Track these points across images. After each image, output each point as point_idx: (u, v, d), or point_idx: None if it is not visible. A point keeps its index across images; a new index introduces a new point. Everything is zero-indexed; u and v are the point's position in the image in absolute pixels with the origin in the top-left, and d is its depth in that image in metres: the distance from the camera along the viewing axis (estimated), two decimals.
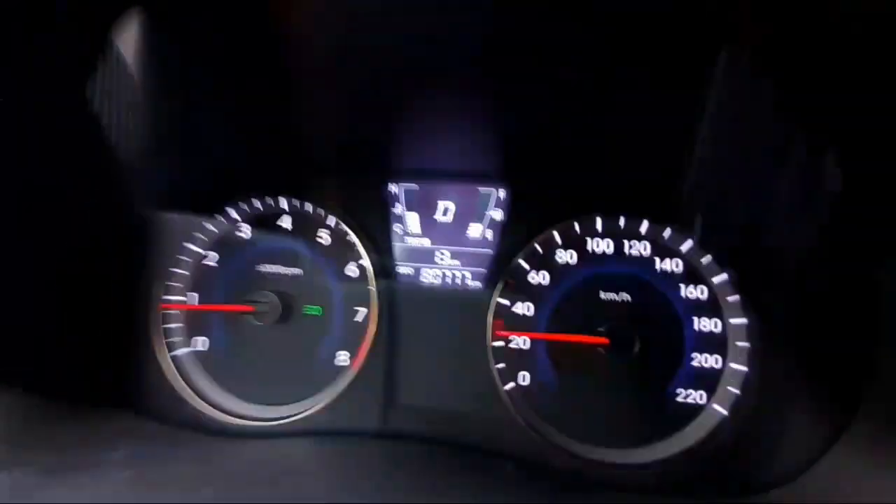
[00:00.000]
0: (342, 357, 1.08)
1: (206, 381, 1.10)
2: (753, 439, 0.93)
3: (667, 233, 1.03)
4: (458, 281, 1.09)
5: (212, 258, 1.15)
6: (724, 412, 0.95)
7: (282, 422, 1.04)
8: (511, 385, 1.02)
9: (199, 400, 1.07)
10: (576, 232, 1.06)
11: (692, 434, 0.96)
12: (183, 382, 1.08)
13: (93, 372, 1.05)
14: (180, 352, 1.11)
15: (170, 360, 1.09)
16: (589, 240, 1.05)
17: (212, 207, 1.14)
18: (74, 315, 1.04)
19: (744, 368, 0.96)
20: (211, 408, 1.06)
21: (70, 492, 0.75)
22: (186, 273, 1.14)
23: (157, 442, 0.96)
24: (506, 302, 1.05)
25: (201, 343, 1.12)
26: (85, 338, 1.06)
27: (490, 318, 1.03)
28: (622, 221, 1.04)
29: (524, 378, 1.03)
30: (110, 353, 1.07)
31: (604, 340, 0.97)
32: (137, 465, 0.85)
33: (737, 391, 0.95)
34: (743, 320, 0.98)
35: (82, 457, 0.86)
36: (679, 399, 0.98)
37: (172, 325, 1.12)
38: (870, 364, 0.85)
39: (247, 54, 0.90)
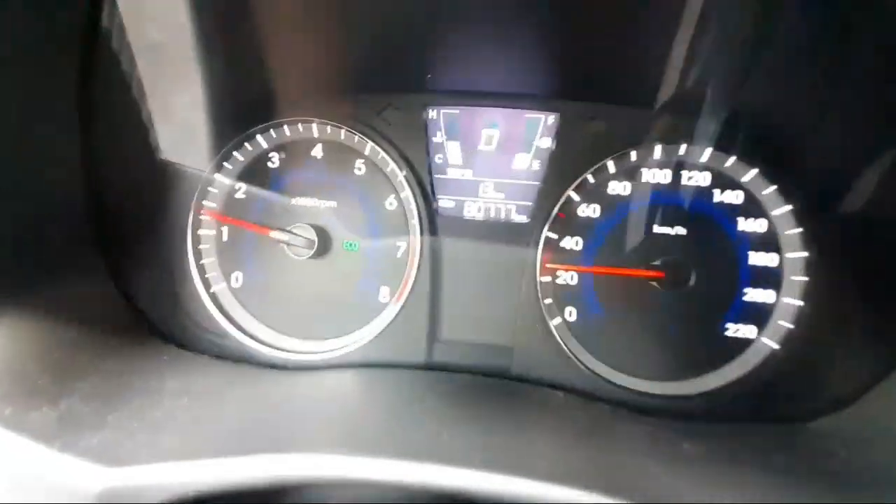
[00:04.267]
0: (384, 293, 1.05)
1: (245, 316, 1.08)
2: (802, 371, 0.93)
3: (730, 162, 0.97)
4: (503, 214, 1.04)
5: (241, 190, 1.09)
6: (775, 346, 0.94)
7: (327, 355, 1.04)
8: (558, 320, 1.01)
9: (241, 334, 1.06)
10: (632, 162, 0.99)
11: (740, 367, 0.96)
12: (223, 317, 1.07)
13: (134, 305, 1.03)
14: (217, 287, 1.09)
15: (208, 295, 1.07)
16: (645, 170, 0.99)
17: (239, 134, 1.06)
18: (110, 248, 1.01)
19: (798, 302, 0.94)
20: (253, 342, 1.06)
21: (124, 419, 0.73)
22: (214, 205, 1.09)
23: (207, 373, 0.96)
24: (553, 236, 1.01)
25: (236, 279, 1.09)
26: (121, 270, 1.04)
27: (539, 253, 0.99)
28: (683, 149, 0.97)
29: (571, 313, 1.01)
30: (149, 286, 1.05)
31: (658, 274, 0.94)
32: (192, 394, 0.85)
33: (789, 325, 0.94)
34: (802, 254, 0.94)
35: (133, 384, 0.84)
36: (729, 333, 0.97)
37: (206, 261, 1.09)
38: None
39: None
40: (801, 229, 0.94)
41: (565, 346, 0.99)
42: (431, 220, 1.03)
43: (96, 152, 0.93)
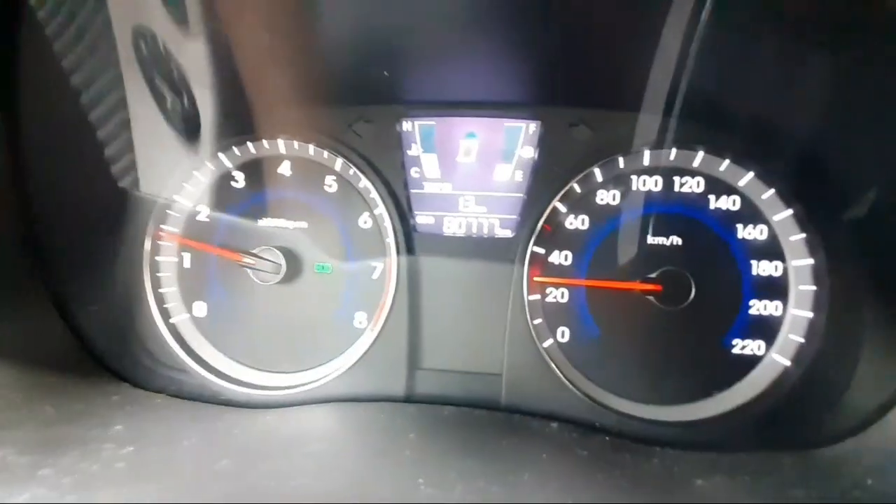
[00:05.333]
0: (359, 318, 0.97)
1: (208, 349, 0.99)
2: (817, 391, 0.85)
3: (723, 165, 0.91)
4: (485, 229, 0.97)
5: (203, 212, 1.01)
6: (787, 363, 0.86)
7: (296, 390, 0.94)
8: (549, 342, 0.92)
9: (202, 369, 0.96)
10: (619, 169, 0.93)
11: (750, 388, 0.88)
12: (183, 350, 0.97)
13: (82, 339, 0.94)
14: (178, 318, 0.99)
15: (166, 326, 0.98)
16: (634, 177, 0.93)
17: (200, 153, 0.99)
18: (55, 276, 0.92)
19: (808, 314, 0.86)
20: (216, 377, 0.96)
21: (59, 474, 0.64)
22: (175, 229, 1.00)
23: (161, 416, 0.86)
24: (540, 250, 0.94)
25: (199, 308, 1.00)
26: (67, 300, 0.94)
27: (526, 269, 0.92)
28: (673, 154, 0.91)
29: (563, 334, 0.93)
30: (99, 317, 0.96)
31: (656, 287, 0.87)
32: (139, 442, 0.76)
33: (800, 339, 0.86)
34: (808, 261, 0.87)
35: (73, 432, 0.75)
36: (735, 351, 0.89)
37: (166, 290, 1.00)
38: None
39: None
40: (804, 235, 0.87)
41: (558, 370, 0.91)
42: (408, 238, 0.96)
43: (28, 168, 0.85)
